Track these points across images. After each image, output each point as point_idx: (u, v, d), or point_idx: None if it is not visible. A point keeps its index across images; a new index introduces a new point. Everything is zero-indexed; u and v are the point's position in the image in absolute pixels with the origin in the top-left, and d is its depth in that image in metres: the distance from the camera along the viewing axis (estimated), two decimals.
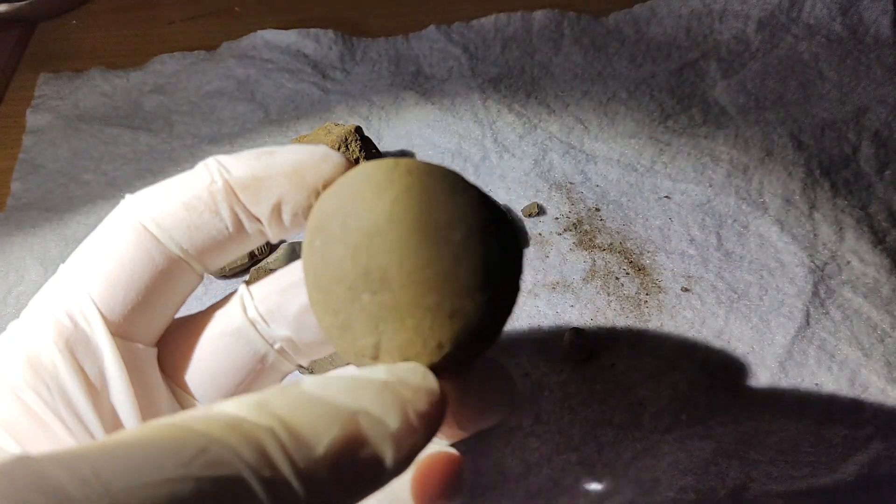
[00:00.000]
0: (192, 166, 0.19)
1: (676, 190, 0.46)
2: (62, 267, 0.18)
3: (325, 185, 0.18)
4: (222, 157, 0.19)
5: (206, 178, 0.18)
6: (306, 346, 0.20)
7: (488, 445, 0.35)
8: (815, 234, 0.43)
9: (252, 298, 0.20)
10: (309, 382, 0.14)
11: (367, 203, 0.16)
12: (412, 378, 0.15)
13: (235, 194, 0.18)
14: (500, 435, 0.35)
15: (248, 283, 0.20)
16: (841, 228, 0.44)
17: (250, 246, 0.19)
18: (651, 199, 0.46)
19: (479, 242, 0.15)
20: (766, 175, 0.47)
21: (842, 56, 0.54)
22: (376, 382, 0.14)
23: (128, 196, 0.19)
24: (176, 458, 0.12)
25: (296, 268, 0.20)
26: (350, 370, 0.19)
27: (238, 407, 0.13)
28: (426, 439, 0.15)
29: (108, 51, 0.58)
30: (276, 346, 0.20)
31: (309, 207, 0.18)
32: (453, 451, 0.19)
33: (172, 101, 0.53)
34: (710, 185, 0.46)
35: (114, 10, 0.61)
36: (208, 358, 0.19)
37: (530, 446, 0.35)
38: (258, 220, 0.18)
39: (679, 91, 0.53)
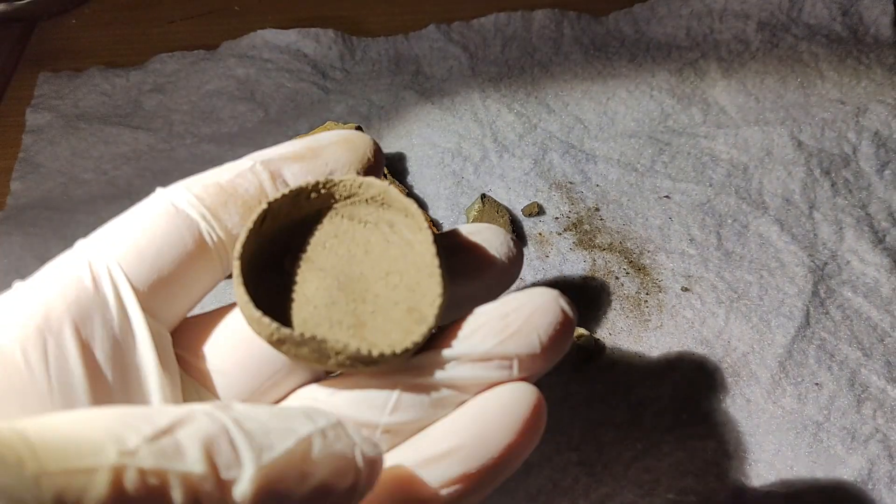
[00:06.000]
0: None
1: (676, 189, 0.46)
2: (80, 241, 0.17)
3: (372, 154, 0.19)
4: (260, 153, 0.19)
5: (249, 163, 0.18)
6: None
7: None
8: (814, 234, 0.43)
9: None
10: (276, 406, 0.15)
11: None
12: (361, 431, 0.15)
13: (275, 181, 0.18)
14: None
15: None
16: (841, 228, 0.44)
17: None
18: (651, 199, 0.46)
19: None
20: (765, 175, 0.47)
21: (842, 56, 0.54)
22: (332, 415, 0.15)
23: (159, 189, 0.18)
24: (118, 444, 0.11)
25: None
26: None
27: (200, 407, 0.13)
28: (369, 483, 0.14)
29: (108, 50, 0.58)
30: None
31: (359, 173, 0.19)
32: None
33: (172, 100, 0.53)
34: (710, 185, 0.46)
35: (113, 8, 0.61)
36: (229, 357, 0.18)
37: None
38: None
39: (679, 90, 0.53)
